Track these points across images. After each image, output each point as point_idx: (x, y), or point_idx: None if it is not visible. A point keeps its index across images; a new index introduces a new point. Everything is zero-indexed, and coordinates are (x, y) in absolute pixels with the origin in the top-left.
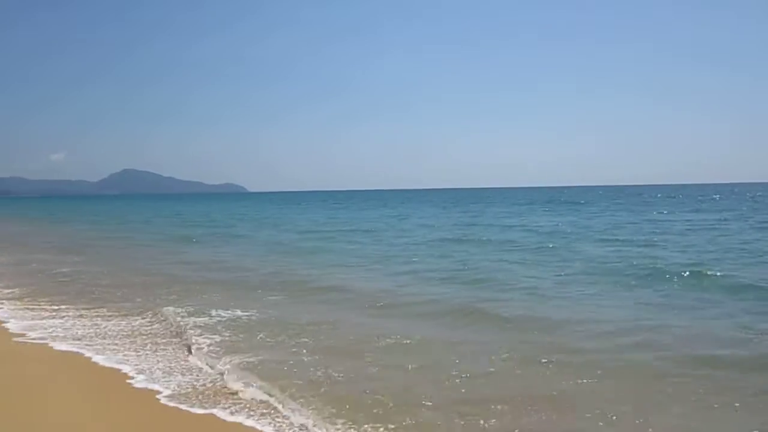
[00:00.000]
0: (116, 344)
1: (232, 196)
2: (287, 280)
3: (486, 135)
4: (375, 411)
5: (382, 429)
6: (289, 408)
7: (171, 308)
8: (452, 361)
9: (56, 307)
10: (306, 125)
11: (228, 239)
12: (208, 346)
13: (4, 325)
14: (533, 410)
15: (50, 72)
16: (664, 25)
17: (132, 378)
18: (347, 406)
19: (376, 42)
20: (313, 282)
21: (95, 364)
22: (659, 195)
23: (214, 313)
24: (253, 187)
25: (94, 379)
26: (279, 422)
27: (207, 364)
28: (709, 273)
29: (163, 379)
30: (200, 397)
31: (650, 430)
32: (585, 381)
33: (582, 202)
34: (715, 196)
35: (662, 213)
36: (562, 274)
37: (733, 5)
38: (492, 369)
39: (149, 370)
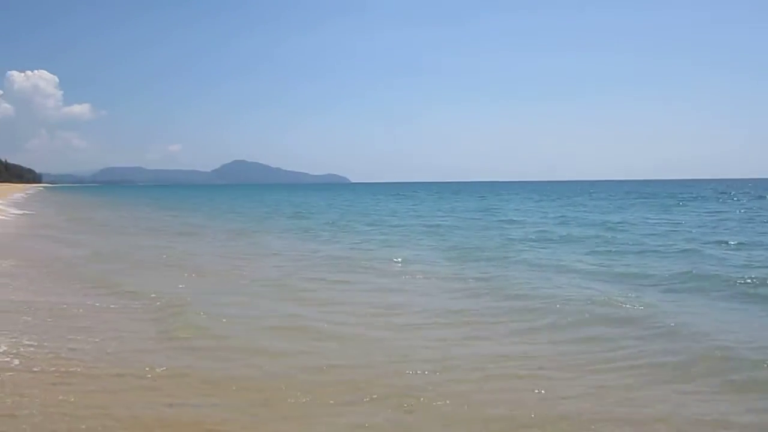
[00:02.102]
0: None
1: (335, 186)
2: None
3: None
4: None
5: None
6: None
7: None
8: None
9: None
10: (404, 117)
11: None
12: None
13: None
14: None
15: (171, 70)
16: None
17: None
18: None
19: (474, 31)
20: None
21: None
22: None
23: None
24: (355, 178)
25: None
26: None
27: None
28: None
29: None
30: None
31: None
32: None
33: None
34: None
35: None
36: None
37: None
38: None
39: None
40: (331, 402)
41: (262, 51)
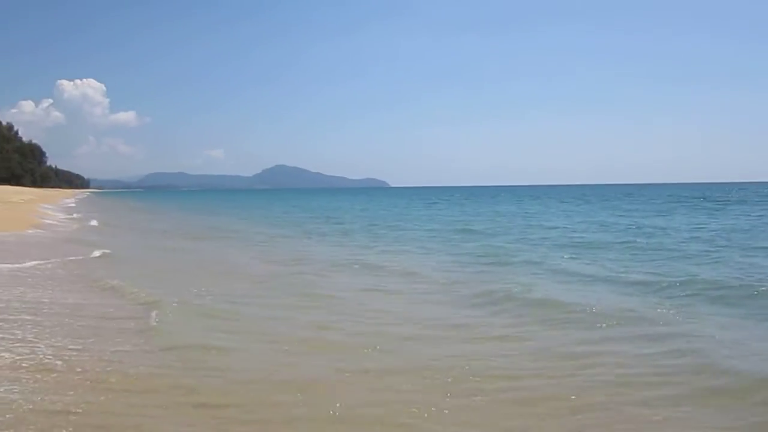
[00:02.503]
0: None
1: (374, 190)
2: None
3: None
4: None
5: None
6: None
7: None
8: None
9: None
10: (446, 120)
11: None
12: None
13: None
14: None
15: (211, 76)
16: None
17: None
18: None
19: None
20: None
21: None
22: None
23: None
24: (394, 182)
25: None
26: None
27: None
28: None
29: None
30: None
31: None
32: None
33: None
34: None
35: None
36: None
37: None
38: None
39: None
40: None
41: (302, 55)
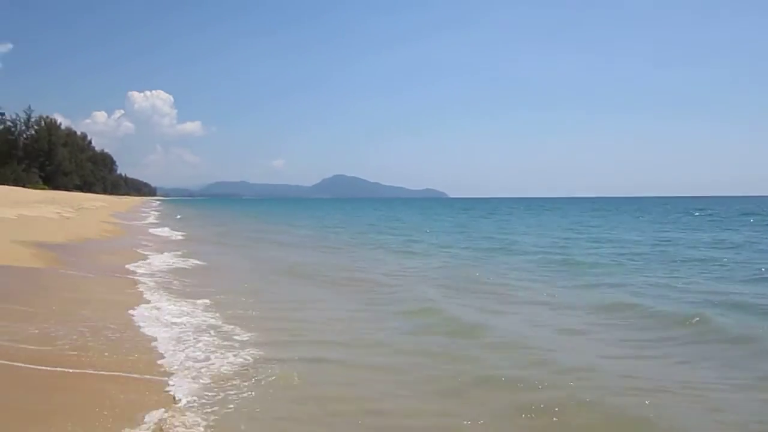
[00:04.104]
0: None
1: (433, 201)
2: None
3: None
4: None
5: None
6: None
7: None
8: None
9: None
10: (505, 130)
11: None
12: None
13: None
14: None
15: (274, 89)
16: None
17: None
18: None
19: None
20: None
21: None
22: None
23: None
24: (453, 193)
25: None
26: None
27: None
28: None
29: None
30: None
31: None
32: None
33: None
34: None
35: None
36: None
37: None
38: None
39: None
40: None
41: (362, 66)
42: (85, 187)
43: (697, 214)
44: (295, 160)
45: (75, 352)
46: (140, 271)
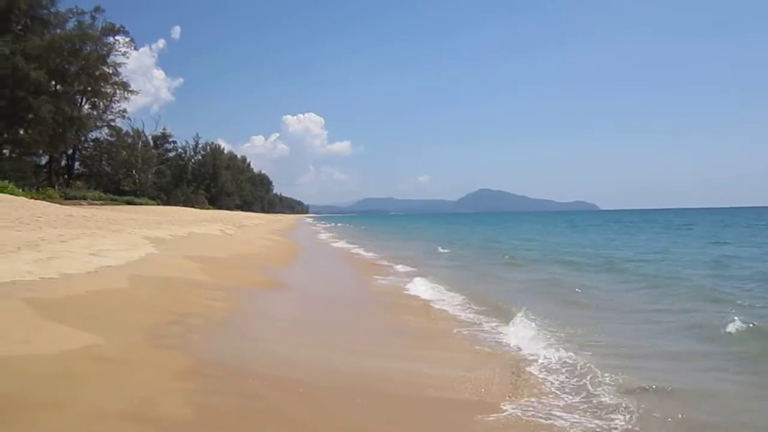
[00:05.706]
0: None
1: (583, 213)
2: None
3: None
4: None
5: None
6: None
7: None
8: None
9: None
10: (661, 139)
11: None
12: None
13: None
14: None
15: (420, 107)
16: None
17: None
18: None
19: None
20: None
21: None
22: None
23: None
24: (604, 205)
25: None
26: None
27: None
28: None
29: None
30: None
31: None
32: None
33: None
34: None
35: None
36: None
37: None
38: None
39: None
40: None
41: (503, 78)
42: (245, 206)
43: None
44: (441, 176)
45: None
46: (431, 299)
